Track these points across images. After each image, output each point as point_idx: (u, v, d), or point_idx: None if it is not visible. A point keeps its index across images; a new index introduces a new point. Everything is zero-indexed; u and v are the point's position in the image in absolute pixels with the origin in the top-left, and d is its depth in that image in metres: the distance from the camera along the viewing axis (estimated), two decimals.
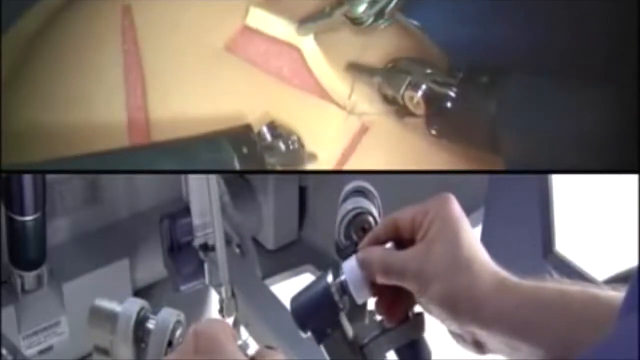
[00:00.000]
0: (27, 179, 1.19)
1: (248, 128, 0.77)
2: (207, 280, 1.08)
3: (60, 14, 0.88)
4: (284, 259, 1.64)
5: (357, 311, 0.62)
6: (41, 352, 1.36)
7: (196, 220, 1.06)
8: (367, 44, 0.82)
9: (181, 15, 0.83)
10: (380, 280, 0.59)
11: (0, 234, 1.27)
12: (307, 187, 1.63)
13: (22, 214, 1.21)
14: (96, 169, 0.78)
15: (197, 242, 1.07)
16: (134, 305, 0.79)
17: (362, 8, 0.78)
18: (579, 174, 1.07)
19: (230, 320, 1.06)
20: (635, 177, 1.04)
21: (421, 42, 0.85)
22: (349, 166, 0.80)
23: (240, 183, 1.58)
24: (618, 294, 0.53)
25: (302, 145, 0.79)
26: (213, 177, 0.99)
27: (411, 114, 0.79)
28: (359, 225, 0.67)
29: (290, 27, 0.82)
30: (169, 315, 0.78)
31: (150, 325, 0.78)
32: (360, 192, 0.69)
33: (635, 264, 1.05)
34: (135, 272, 1.45)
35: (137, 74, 0.80)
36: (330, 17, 0.79)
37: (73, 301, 1.35)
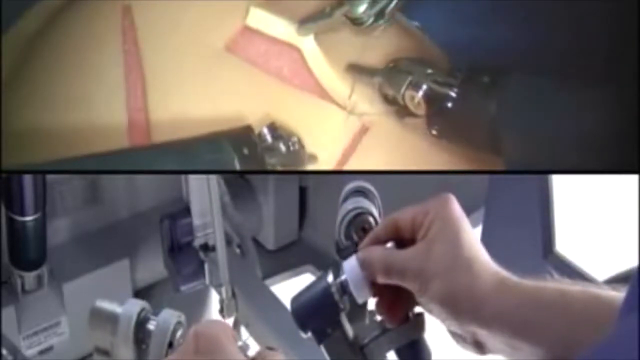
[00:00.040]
0: (27, 179, 1.19)
1: (248, 129, 0.77)
2: (207, 280, 1.08)
3: (60, 14, 0.88)
4: (284, 259, 1.64)
5: (357, 311, 0.62)
6: (41, 352, 1.36)
7: (196, 220, 1.06)
8: (367, 44, 0.82)
9: (181, 15, 0.83)
10: (381, 279, 0.59)
11: (0, 234, 1.27)
12: (307, 187, 1.63)
13: (22, 214, 1.21)
14: (96, 169, 0.78)
15: (197, 242, 1.07)
16: (135, 306, 0.79)
17: (362, 8, 0.78)
18: (579, 174, 1.07)
19: (230, 320, 1.06)
20: (635, 177, 1.04)
21: (421, 42, 0.85)
22: (349, 166, 0.80)
23: (240, 183, 1.58)
24: (618, 294, 0.53)
25: (302, 146, 0.79)
26: (213, 177, 0.99)
27: (411, 114, 0.79)
28: (359, 225, 0.67)
29: (290, 27, 0.82)
30: (170, 316, 0.78)
31: (151, 326, 0.78)
32: (360, 192, 0.69)
33: (635, 264, 1.05)
34: (135, 272, 1.45)
35: (137, 74, 0.80)
36: (330, 17, 0.79)
37: (73, 301, 1.35)
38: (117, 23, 0.83)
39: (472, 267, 0.57)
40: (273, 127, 0.78)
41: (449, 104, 0.76)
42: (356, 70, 0.82)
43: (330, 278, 0.61)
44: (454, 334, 0.59)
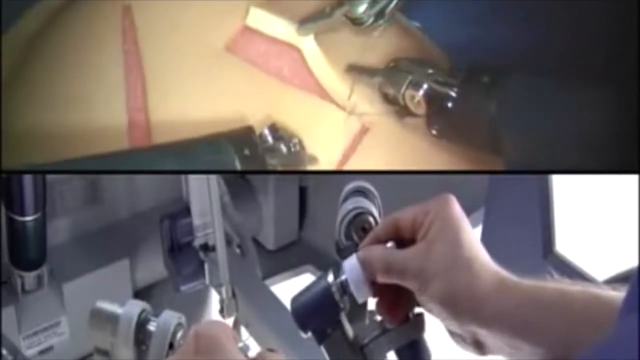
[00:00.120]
0: (27, 179, 1.19)
1: (249, 130, 0.77)
2: (207, 280, 1.08)
3: (60, 14, 0.88)
4: (284, 259, 1.64)
5: (357, 311, 0.62)
6: (41, 352, 1.36)
7: (196, 220, 1.06)
8: (367, 44, 0.82)
9: (181, 15, 0.83)
10: (381, 278, 0.59)
11: (0, 234, 1.27)
12: (307, 187, 1.63)
13: (22, 214, 1.21)
14: (96, 169, 0.78)
15: (197, 242, 1.07)
16: (135, 307, 0.79)
17: (362, 8, 0.78)
18: (579, 174, 1.07)
19: (230, 320, 1.06)
20: (635, 177, 1.04)
21: (421, 42, 0.85)
22: (349, 166, 0.80)
23: (240, 183, 1.58)
24: (618, 294, 0.53)
25: (303, 147, 0.79)
26: (213, 177, 0.99)
27: (411, 114, 0.79)
28: (359, 225, 0.67)
29: (290, 27, 0.82)
30: (170, 317, 0.78)
31: (151, 327, 0.78)
32: (360, 192, 0.69)
33: (635, 264, 1.05)
34: (135, 272, 1.45)
35: (137, 74, 0.80)
36: (330, 17, 0.79)
37: (73, 301, 1.35)
38: (117, 23, 0.83)
39: (472, 267, 0.57)
40: (274, 128, 0.78)
41: (449, 104, 0.76)
42: (356, 70, 0.82)
43: (330, 278, 0.61)
44: (453, 334, 0.59)
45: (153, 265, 1.41)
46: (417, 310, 0.62)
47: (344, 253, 0.63)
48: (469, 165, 0.80)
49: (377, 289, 0.60)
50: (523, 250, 1.19)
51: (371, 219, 0.67)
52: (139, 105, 0.79)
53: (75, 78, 0.82)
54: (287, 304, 0.63)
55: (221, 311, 1.07)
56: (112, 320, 0.78)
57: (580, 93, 0.71)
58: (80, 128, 0.79)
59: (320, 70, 0.82)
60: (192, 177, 1.02)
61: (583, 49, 0.77)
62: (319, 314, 0.61)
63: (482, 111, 0.73)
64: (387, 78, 0.80)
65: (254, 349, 0.59)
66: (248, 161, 0.75)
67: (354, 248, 0.63)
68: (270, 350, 0.57)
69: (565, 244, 1.18)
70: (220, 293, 1.06)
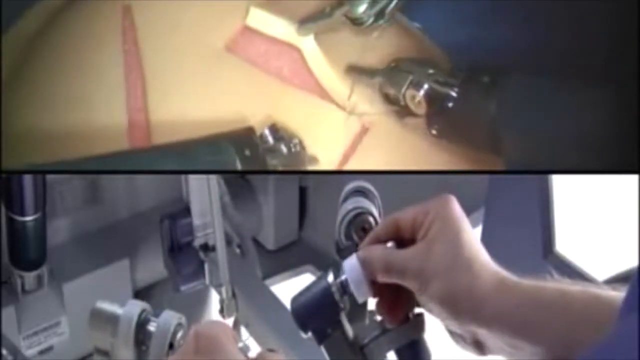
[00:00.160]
0: (27, 179, 1.19)
1: (250, 130, 0.77)
2: (207, 280, 1.08)
3: (60, 14, 0.88)
4: (284, 259, 1.64)
5: (357, 311, 0.62)
6: (41, 352, 1.36)
7: (196, 220, 1.06)
8: (367, 44, 0.82)
9: (181, 15, 0.83)
10: (381, 278, 0.59)
11: (0, 234, 1.27)
12: (307, 187, 1.63)
13: (22, 214, 1.21)
14: (97, 169, 0.78)
15: (197, 242, 1.07)
16: (135, 307, 0.79)
17: (362, 8, 0.78)
18: (579, 174, 1.07)
19: (230, 320, 1.06)
20: (635, 177, 1.04)
21: (421, 42, 0.85)
22: (349, 166, 0.80)
23: (240, 183, 1.58)
24: (618, 294, 0.53)
25: (303, 148, 0.79)
26: (213, 177, 0.99)
27: (411, 114, 0.79)
28: (359, 225, 0.67)
29: (290, 27, 0.82)
30: (170, 317, 0.78)
31: (151, 327, 0.78)
32: (360, 192, 0.69)
33: (635, 264, 1.05)
34: (135, 272, 1.45)
35: (137, 74, 0.80)
36: (330, 17, 0.79)
37: (73, 301, 1.35)
38: (117, 23, 0.83)
39: (472, 267, 0.57)
40: (274, 129, 0.78)
41: (450, 104, 0.76)
42: (356, 71, 0.82)
43: (330, 278, 0.61)
44: (453, 334, 0.59)
45: (153, 265, 1.41)
46: (417, 310, 0.62)
47: (344, 253, 0.63)
48: (469, 165, 0.80)
49: (377, 289, 0.60)
50: (523, 250, 1.19)
51: (371, 219, 0.67)
52: (139, 105, 0.79)
53: (75, 78, 0.82)
54: (287, 304, 0.63)
55: (221, 311, 1.07)
56: (112, 320, 0.78)
57: (580, 93, 0.71)
58: (80, 128, 0.79)
59: (320, 70, 0.82)
60: (192, 177, 1.02)
61: (583, 49, 0.77)
62: (319, 314, 0.61)
63: (482, 111, 0.73)
64: (387, 78, 0.80)
65: (254, 349, 0.59)
66: (249, 161, 0.75)
67: (354, 248, 0.63)
68: (271, 350, 0.57)
69: (565, 244, 1.18)
70: (220, 293, 1.06)
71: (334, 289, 0.61)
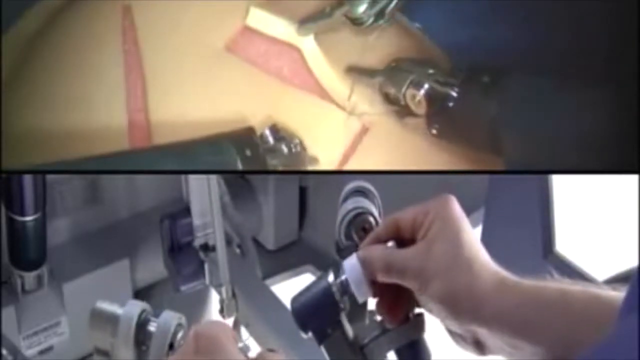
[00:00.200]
0: (27, 179, 1.19)
1: (250, 130, 0.77)
2: (207, 280, 1.08)
3: (60, 14, 0.88)
4: (284, 259, 1.64)
5: (357, 311, 0.62)
6: (41, 352, 1.36)
7: (196, 220, 1.06)
8: (367, 44, 0.82)
9: (181, 15, 0.83)
10: (381, 278, 0.59)
11: (0, 234, 1.27)
12: (307, 187, 1.63)
13: (22, 214, 1.21)
14: (98, 169, 0.78)
15: (197, 242, 1.07)
16: (135, 307, 0.79)
17: (362, 8, 0.78)
18: (579, 174, 1.07)
19: (230, 320, 1.06)
20: (635, 177, 1.04)
21: (421, 42, 0.85)
22: (349, 166, 0.80)
23: (240, 183, 1.58)
24: (619, 294, 0.53)
25: (304, 148, 0.79)
26: (213, 177, 0.99)
27: (412, 114, 0.79)
28: (359, 224, 0.67)
29: (290, 27, 0.82)
30: (170, 317, 0.78)
31: (151, 327, 0.78)
32: (360, 192, 0.69)
33: (635, 264, 1.05)
34: (135, 272, 1.45)
35: (137, 74, 0.80)
36: (330, 17, 0.79)
37: (73, 301, 1.35)
38: (117, 23, 0.83)
39: (472, 266, 0.57)
40: (275, 129, 0.78)
41: (450, 104, 0.76)
42: (356, 72, 0.82)
43: (330, 278, 0.61)
44: (453, 334, 0.59)
45: (153, 265, 1.41)
46: (417, 310, 0.62)
47: (344, 253, 0.63)
48: (469, 165, 0.80)
49: (377, 289, 0.60)
50: (523, 250, 1.19)
51: (371, 219, 0.67)
52: (139, 105, 0.79)
53: (75, 78, 0.82)
54: (287, 304, 0.63)
55: (221, 311, 1.06)
56: (112, 320, 0.78)
57: (580, 93, 0.71)
58: (80, 128, 0.79)
59: (320, 70, 0.82)
60: (192, 177, 1.02)
61: (583, 49, 0.77)
62: (319, 313, 0.61)
63: (483, 111, 0.73)
64: (388, 77, 0.80)
65: (254, 349, 0.59)
66: (249, 162, 0.75)
67: (354, 248, 0.63)
68: (270, 350, 0.57)
69: (565, 244, 1.18)
70: (220, 293, 1.06)
71: (334, 288, 0.61)
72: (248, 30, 0.83)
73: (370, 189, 0.69)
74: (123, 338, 0.78)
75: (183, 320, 0.79)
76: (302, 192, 1.63)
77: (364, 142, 0.81)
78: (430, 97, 0.77)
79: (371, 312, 0.63)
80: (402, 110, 0.80)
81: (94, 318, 0.79)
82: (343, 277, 0.60)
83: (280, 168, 0.78)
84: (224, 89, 0.81)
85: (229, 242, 1.12)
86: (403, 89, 0.78)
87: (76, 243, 1.42)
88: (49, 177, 1.27)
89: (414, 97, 0.78)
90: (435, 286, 0.57)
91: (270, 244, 1.64)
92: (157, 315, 0.79)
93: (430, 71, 0.77)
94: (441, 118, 0.78)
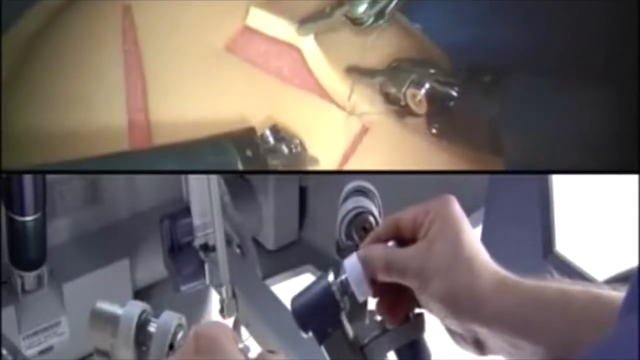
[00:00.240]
0: (27, 179, 1.19)
1: (251, 131, 0.77)
2: (207, 280, 1.08)
3: (60, 14, 0.88)
4: (284, 259, 1.64)
5: (357, 311, 0.62)
6: (41, 352, 1.36)
7: (196, 220, 1.06)
8: (367, 44, 0.82)
9: (181, 15, 0.83)
10: (382, 277, 0.59)
11: (0, 234, 1.27)
12: (307, 187, 1.63)
13: (22, 214, 1.21)
14: (98, 169, 0.78)
15: (197, 242, 1.07)
16: (135, 308, 0.79)
17: (362, 8, 0.78)
18: (579, 174, 1.07)
19: (230, 320, 1.06)
20: (635, 177, 1.04)
21: (421, 43, 0.85)
22: (349, 166, 0.80)
23: (240, 183, 1.58)
24: (619, 294, 0.53)
25: (304, 148, 0.79)
26: (213, 177, 0.99)
27: (412, 114, 0.79)
28: (359, 224, 0.67)
29: (290, 27, 0.82)
30: (170, 318, 0.78)
31: (152, 328, 0.78)
32: (360, 192, 0.69)
33: (635, 264, 1.05)
34: (135, 272, 1.45)
35: (137, 74, 0.80)
36: (330, 17, 0.79)
37: (73, 301, 1.35)
38: (117, 23, 0.83)
39: (472, 266, 0.57)
40: (275, 129, 0.78)
41: (450, 103, 0.76)
42: (356, 72, 0.82)
43: (330, 277, 0.61)
44: (453, 334, 0.59)
45: (153, 265, 1.41)
46: (417, 310, 0.62)
47: (344, 253, 0.63)
48: (469, 165, 0.80)
49: (378, 289, 0.61)
50: (523, 250, 1.19)
51: (371, 219, 0.67)
52: (139, 105, 0.79)
53: (75, 78, 0.82)
54: (288, 304, 0.63)
55: (221, 311, 1.07)
56: (112, 321, 0.78)
57: (580, 93, 0.71)
58: (80, 128, 0.79)
59: (320, 70, 0.82)
60: (192, 177, 1.02)
61: (583, 49, 0.77)
62: (319, 313, 0.61)
63: (483, 111, 0.73)
64: (388, 77, 0.80)
65: (254, 349, 0.59)
66: (250, 162, 0.75)
67: (354, 248, 0.63)
68: (271, 352, 0.57)
69: (565, 244, 1.18)
70: (220, 293, 1.06)
71: (334, 288, 0.61)
72: (248, 30, 0.83)
73: (371, 188, 0.69)
74: (123, 338, 0.78)
75: (183, 320, 0.79)
76: (302, 192, 1.63)
77: (364, 142, 0.81)
78: (430, 96, 0.77)
79: (371, 312, 0.63)
80: (402, 110, 0.80)
81: (94, 318, 0.79)
82: (343, 277, 0.60)
83: (280, 168, 0.78)
84: (223, 89, 0.81)
85: (229, 242, 1.12)
86: (404, 89, 0.78)
87: (76, 243, 1.42)
88: (49, 177, 1.27)
89: (414, 96, 0.78)
90: (435, 285, 0.57)
91: (270, 244, 1.64)
92: (157, 316, 0.79)
93: (431, 71, 0.77)
94: (441, 118, 0.78)
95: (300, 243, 1.67)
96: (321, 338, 0.61)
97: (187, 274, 1.08)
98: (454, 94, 0.75)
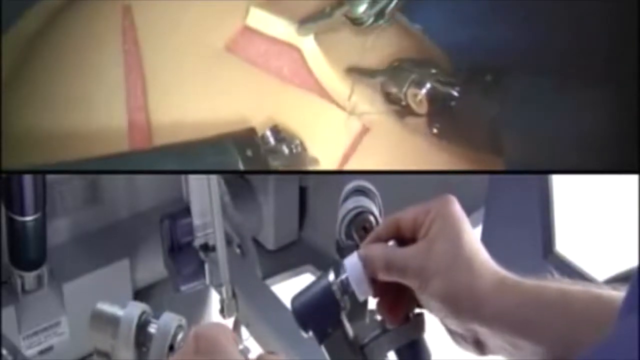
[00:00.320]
0: (27, 179, 1.19)
1: (252, 131, 0.77)
2: (207, 280, 1.08)
3: (60, 14, 0.88)
4: (284, 259, 1.64)
5: (357, 310, 0.62)
6: (41, 352, 1.36)
7: (196, 220, 1.06)
8: (367, 44, 0.82)
9: (181, 15, 0.83)
10: (382, 276, 0.59)
11: (0, 234, 1.27)
12: (307, 187, 1.63)
13: (22, 214, 1.21)
14: (98, 169, 0.78)
15: (197, 242, 1.07)
16: (136, 309, 0.79)
17: (362, 8, 0.78)
18: (579, 174, 1.07)
19: (230, 320, 1.06)
20: (635, 177, 1.04)
21: (422, 43, 0.85)
22: (350, 166, 0.80)
23: (240, 183, 1.58)
24: (619, 294, 0.53)
25: (304, 149, 0.79)
26: (213, 177, 0.99)
27: (412, 113, 0.79)
28: (359, 224, 0.67)
29: (290, 27, 0.82)
30: (171, 319, 0.78)
31: (152, 329, 0.78)
32: (360, 191, 0.69)
33: (635, 264, 1.05)
34: (135, 272, 1.45)
35: (137, 74, 0.80)
36: (330, 17, 0.79)
37: (73, 301, 1.35)
38: (117, 23, 0.83)
39: (472, 266, 0.57)
40: (276, 130, 0.78)
41: (451, 103, 0.76)
42: (356, 73, 0.81)
43: (331, 277, 0.61)
44: (453, 334, 0.59)
45: (153, 265, 1.41)
46: (417, 310, 0.62)
47: (344, 252, 0.63)
48: (469, 165, 0.80)
49: (378, 289, 0.61)
50: (523, 250, 1.19)
51: (372, 218, 0.67)
52: (139, 105, 0.79)
53: (75, 78, 0.82)
54: (288, 304, 0.63)
55: (221, 311, 1.07)
56: (112, 322, 0.78)
57: (580, 93, 0.71)
58: (80, 128, 0.79)
59: (320, 70, 0.82)
60: (192, 177, 1.02)
61: (583, 49, 0.77)
62: (319, 312, 0.61)
63: (483, 111, 0.73)
64: (389, 77, 0.80)
65: (255, 349, 0.59)
66: (251, 162, 0.75)
67: (354, 247, 0.63)
68: (271, 353, 0.57)
69: (565, 244, 1.18)
70: (220, 293, 1.06)
71: (334, 287, 0.61)
72: (248, 30, 0.83)
73: (371, 188, 0.69)
74: (123, 339, 0.78)
75: (183, 322, 0.79)
76: (302, 192, 1.63)
77: (364, 142, 0.81)
78: (431, 96, 0.77)
79: (371, 311, 0.63)
80: (402, 110, 0.80)
81: (94, 319, 0.79)
82: (343, 276, 0.60)
83: (281, 168, 0.78)
84: (223, 89, 0.81)
85: (229, 242, 1.12)
86: (404, 88, 0.78)
87: (76, 243, 1.42)
88: (49, 177, 1.27)
89: (415, 96, 0.78)
90: (435, 285, 0.57)
91: (270, 244, 1.64)
92: (157, 317, 0.79)
93: (432, 71, 0.77)
94: (442, 117, 0.78)
95: (300, 243, 1.67)
96: (321, 337, 0.61)
97: (187, 274, 1.08)
98: (455, 94, 0.75)
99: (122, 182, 1.46)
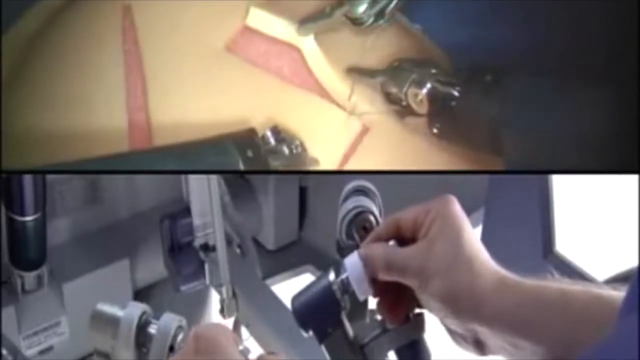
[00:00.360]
0: (27, 179, 1.19)
1: (252, 132, 0.77)
2: (207, 280, 1.08)
3: (60, 14, 0.88)
4: (284, 259, 1.64)
5: (358, 310, 0.62)
6: (41, 352, 1.36)
7: (196, 220, 1.06)
8: (367, 44, 0.82)
9: (181, 15, 0.83)
10: (382, 276, 0.59)
11: (0, 234, 1.27)
12: (307, 187, 1.63)
13: (22, 214, 1.21)
14: (98, 169, 0.78)
15: (197, 242, 1.07)
16: (136, 309, 0.79)
17: (362, 8, 0.78)
18: (579, 174, 1.07)
19: (230, 320, 1.06)
20: (635, 177, 1.04)
21: (422, 43, 0.85)
22: (350, 166, 0.80)
23: (240, 183, 1.58)
24: (619, 294, 0.53)
25: (304, 149, 0.79)
26: (213, 177, 0.99)
27: (413, 114, 0.79)
28: (359, 223, 0.67)
29: (290, 27, 0.82)
30: (171, 320, 0.78)
31: (152, 329, 0.78)
32: (360, 191, 0.69)
33: (635, 264, 1.05)
34: (135, 272, 1.45)
35: (137, 74, 0.80)
36: (330, 17, 0.79)
37: (73, 301, 1.35)
38: (117, 23, 0.83)
39: (472, 266, 0.57)
40: (276, 130, 0.78)
41: (452, 103, 0.76)
42: (357, 73, 0.81)
43: (331, 277, 0.61)
44: (453, 334, 0.59)
45: (153, 265, 1.41)
46: (418, 310, 0.62)
47: (344, 252, 0.63)
48: (469, 165, 0.80)
49: (378, 289, 0.61)
50: (523, 250, 1.19)
51: (372, 218, 0.67)
52: (139, 105, 0.79)
53: (75, 78, 0.82)
54: (288, 303, 0.63)
55: (221, 311, 1.07)
56: (112, 322, 0.78)
57: (580, 93, 0.71)
58: (80, 128, 0.79)
59: (320, 70, 0.82)
60: (192, 177, 1.02)
61: (583, 49, 0.77)
62: (319, 312, 0.61)
63: (483, 111, 0.73)
64: (389, 77, 0.80)
65: (255, 349, 0.59)
66: (251, 163, 0.75)
67: (355, 247, 0.63)
68: (271, 353, 0.57)
69: (565, 244, 1.18)
70: (220, 293, 1.06)
71: (335, 287, 0.61)
72: (248, 30, 0.83)
73: (371, 188, 0.69)
74: (123, 340, 0.78)
75: (183, 322, 0.79)
76: (302, 192, 1.63)
77: (364, 142, 0.81)
78: (432, 96, 0.77)
79: (371, 311, 0.63)
80: (403, 110, 0.80)
81: (94, 320, 0.79)
82: (344, 276, 0.60)
83: (281, 169, 0.78)
84: (224, 89, 0.81)
85: (229, 242, 1.12)
86: (405, 88, 0.78)
87: (76, 243, 1.42)
88: (49, 177, 1.27)
89: (416, 96, 0.78)
90: (435, 285, 0.57)
91: (270, 244, 1.64)
92: (157, 317, 0.79)
93: (432, 71, 0.78)
94: (442, 117, 0.78)
95: (300, 243, 1.67)
96: (321, 337, 0.61)
97: (187, 274, 1.08)
98: (455, 93, 0.75)
99: (122, 182, 1.46)
